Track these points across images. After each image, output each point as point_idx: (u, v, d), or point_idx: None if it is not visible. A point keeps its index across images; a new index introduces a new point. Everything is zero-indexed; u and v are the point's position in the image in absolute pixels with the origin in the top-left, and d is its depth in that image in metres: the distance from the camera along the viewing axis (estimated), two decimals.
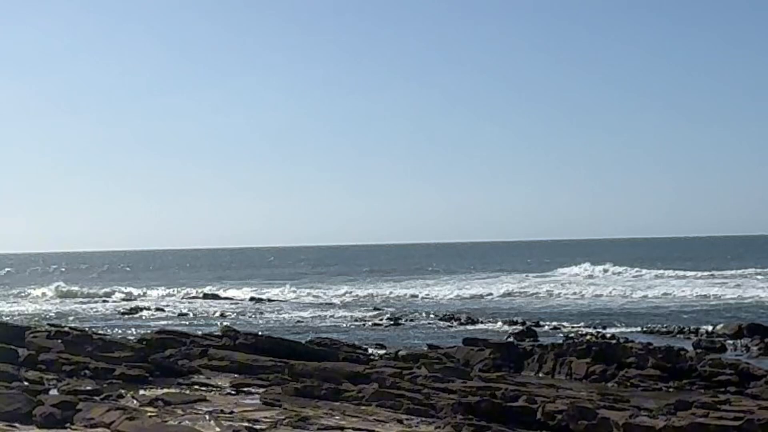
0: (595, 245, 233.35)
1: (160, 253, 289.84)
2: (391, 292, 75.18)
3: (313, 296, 74.31)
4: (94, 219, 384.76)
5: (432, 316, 52.95)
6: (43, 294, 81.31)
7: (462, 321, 49.14)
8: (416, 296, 72.02)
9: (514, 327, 44.56)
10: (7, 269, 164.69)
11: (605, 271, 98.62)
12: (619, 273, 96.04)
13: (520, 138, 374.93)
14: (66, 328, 34.75)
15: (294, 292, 78.62)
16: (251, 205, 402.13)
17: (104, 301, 73.04)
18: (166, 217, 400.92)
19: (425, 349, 33.93)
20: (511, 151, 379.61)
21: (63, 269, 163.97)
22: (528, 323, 46.04)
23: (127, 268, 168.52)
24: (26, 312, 61.94)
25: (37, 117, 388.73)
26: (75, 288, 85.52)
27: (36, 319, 53.66)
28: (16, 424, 19.71)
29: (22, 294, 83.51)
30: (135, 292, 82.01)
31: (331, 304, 66.50)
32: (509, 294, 72.40)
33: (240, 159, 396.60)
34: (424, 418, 20.38)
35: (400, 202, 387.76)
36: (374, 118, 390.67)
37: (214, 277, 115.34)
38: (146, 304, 66.42)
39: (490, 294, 72.29)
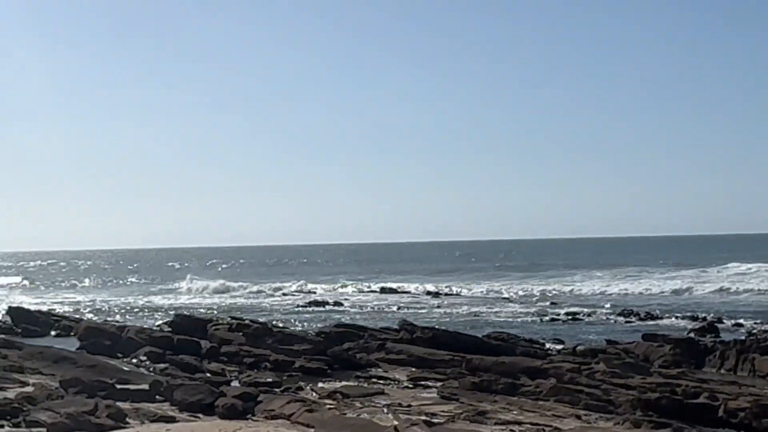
0: (733, 241, 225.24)
1: (311, 248, 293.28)
2: (561, 287, 74.31)
3: (487, 290, 74.12)
4: (249, 215, 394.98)
5: (610, 311, 52.27)
6: (214, 287, 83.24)
7: (641, 316, 48.35)
8: (588, 291, 71.09)
9: (695, 323, 43.67)
10: (171, 263, 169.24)
11: None
12: None
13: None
14: (246, 321, 35.38)
15: (457, 285, 78.82)
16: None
17: (283, 295, 74.34)
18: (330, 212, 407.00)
19: (604, 344, 33.57)
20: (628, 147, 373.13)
21: (239, 263, 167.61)
22: (709, 319, 45.11)
23: (301, 261, 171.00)
24: (205, 305, 63.45)
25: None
26: (246, 282, 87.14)
27: (216, 311, 54.91)
28: (199, 415, 20.16)
29: (187, 288, 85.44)
30: (311, 286, 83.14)
31: (507, 298, 66.23)
32: (686, 289, 70.53)
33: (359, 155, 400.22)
34: (602, 414, 20.15)
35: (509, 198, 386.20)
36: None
37: (371, 271, 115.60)
38: (324, 298, 67.22)
39: (664, 289, 70.69)
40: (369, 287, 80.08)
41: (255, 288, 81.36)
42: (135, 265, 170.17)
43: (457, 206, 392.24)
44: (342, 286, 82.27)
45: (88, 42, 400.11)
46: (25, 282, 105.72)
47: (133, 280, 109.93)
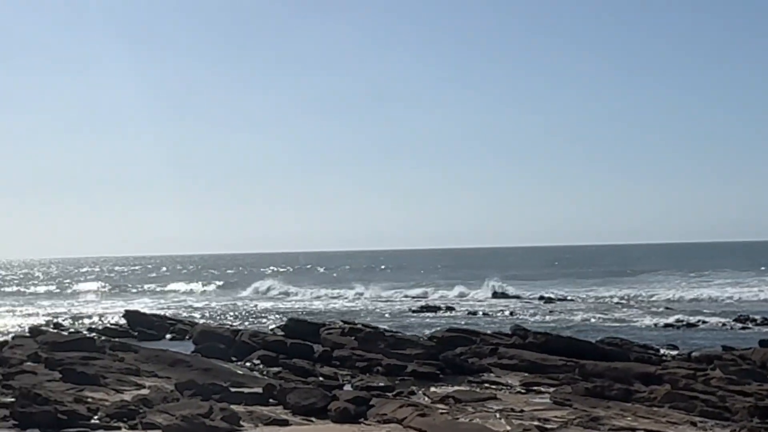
0: None
1: (406, 253, 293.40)
2: (669, 292, 72.86)
3: (594, 295, 73.45)
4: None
5: (725, 316, 51.38)
6: (321, 292, 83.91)
7: (758, 322, 47.47)
8: (697, 296, 69.72)
9: None
10: (274, 267, 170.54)
11: None
12: None
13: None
14: (359, 325, 35.53)
15: (565, 290, 78.36)
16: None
17: (393, 299, 74.52)
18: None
19: (719, 350, 33.01)
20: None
21: (344, 268, 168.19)
22: None
23: (400, 265, 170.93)
24: (316, 308, 63.92)
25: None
26: (353, 287, 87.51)
27: (328, 315, 55.19)
28: (312, 418, 20.34)
29: (295, 291, 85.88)
30: (420, 290, 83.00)
31: (618, 303, 65.43)
32: None
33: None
34: (718, 421, 19.84)
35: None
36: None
37: (475, 276, 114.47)
38: (436, 302, 67.26)
39: None
40: (478, 292, 79.70)
41: (364, 292, 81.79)
42: (239, 268, 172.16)
43: (539, 212, 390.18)
44: (457, 294, 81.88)
45: (185, 48, 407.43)
46: (114, 285, 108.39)
47: (238, 282, 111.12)
